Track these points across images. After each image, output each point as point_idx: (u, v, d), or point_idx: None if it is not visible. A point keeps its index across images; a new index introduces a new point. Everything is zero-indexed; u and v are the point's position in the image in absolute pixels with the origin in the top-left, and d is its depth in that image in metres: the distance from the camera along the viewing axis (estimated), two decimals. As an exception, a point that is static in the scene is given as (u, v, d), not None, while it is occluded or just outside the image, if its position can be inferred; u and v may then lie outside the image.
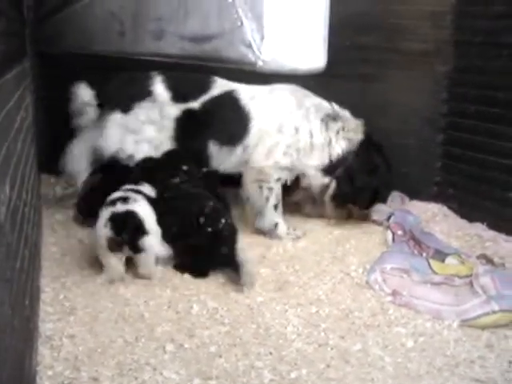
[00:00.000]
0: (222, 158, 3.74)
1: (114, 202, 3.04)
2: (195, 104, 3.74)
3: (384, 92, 4.12)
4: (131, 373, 2.26)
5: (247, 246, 3.30)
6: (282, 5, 3.67)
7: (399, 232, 3.54)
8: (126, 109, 3.71)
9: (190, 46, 3.75)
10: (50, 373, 2.23)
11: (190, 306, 2.78)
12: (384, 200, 3.94)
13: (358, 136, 3.78)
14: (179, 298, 2.86)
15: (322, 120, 3.76)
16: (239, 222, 3.48)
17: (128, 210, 3.00)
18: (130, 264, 3.03)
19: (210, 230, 3.07)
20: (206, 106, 3.73)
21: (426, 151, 4.17)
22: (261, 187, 3.68)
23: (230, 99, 3.75)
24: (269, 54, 3.68)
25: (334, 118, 3.78)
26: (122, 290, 2.90)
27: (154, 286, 2.97)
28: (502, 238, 3.59)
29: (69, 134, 3.95)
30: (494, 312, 2.66)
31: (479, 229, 3.74)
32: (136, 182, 3.33)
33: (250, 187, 3.71)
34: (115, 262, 2.98)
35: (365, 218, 3.90)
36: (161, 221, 3.10)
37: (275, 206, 3.71)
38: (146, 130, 3.72)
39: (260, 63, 3.68)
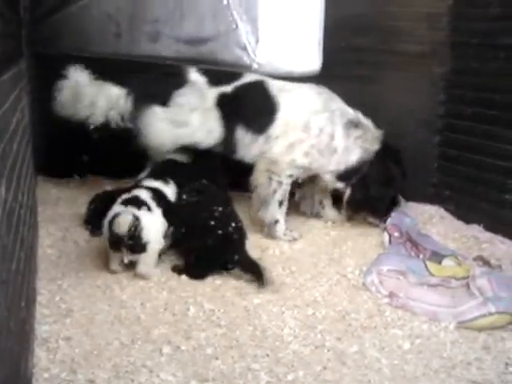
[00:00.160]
0: (246, 146, 3.71)
1: (125, 203, 3.07)
2: (228, 88, 3.71)
3: (380, 94, 4.11)
4: (127, 375, 2.25)
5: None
6: (277, 7, 3.68)
7: (396, 234, 3.54)
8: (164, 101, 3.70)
9: (186, 48, 3.76)
10: (46, 375, 2.22)
11: (187, 308, 2.77)
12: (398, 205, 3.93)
13: (373, 146, 3.73)
14: (176, 300, 2.86)
15: (345, 125, 3.71)
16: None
17: (133, 216, 2.97)
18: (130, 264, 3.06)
19: (220, 232, 3.09)
20: (238, 91, 3.71)
21: (423, 153, 4.17)
22: (270, 178, 3.66)
23: (260, 87, 3.72)
24: (264, 57, 3.70)
25: (356, 125, 3.74)
26: (118, 292, 2.89)
27: (150, 288, 2.96)
28: (498, 239, 3.60)
29: (66, 135, 3.95)
30: (491, 314, 2.66)
31: (476, 230, 3.74)
32: (162, 177, 3.38)
33: (259, 175, 3.68)
34: (113, 261, 3.05)
35: (377, 226, 3.85)
36: (172, 219, 3.16)
37: (280, 203, 3.69)
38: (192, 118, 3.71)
39: (255, 66, 3.71)
